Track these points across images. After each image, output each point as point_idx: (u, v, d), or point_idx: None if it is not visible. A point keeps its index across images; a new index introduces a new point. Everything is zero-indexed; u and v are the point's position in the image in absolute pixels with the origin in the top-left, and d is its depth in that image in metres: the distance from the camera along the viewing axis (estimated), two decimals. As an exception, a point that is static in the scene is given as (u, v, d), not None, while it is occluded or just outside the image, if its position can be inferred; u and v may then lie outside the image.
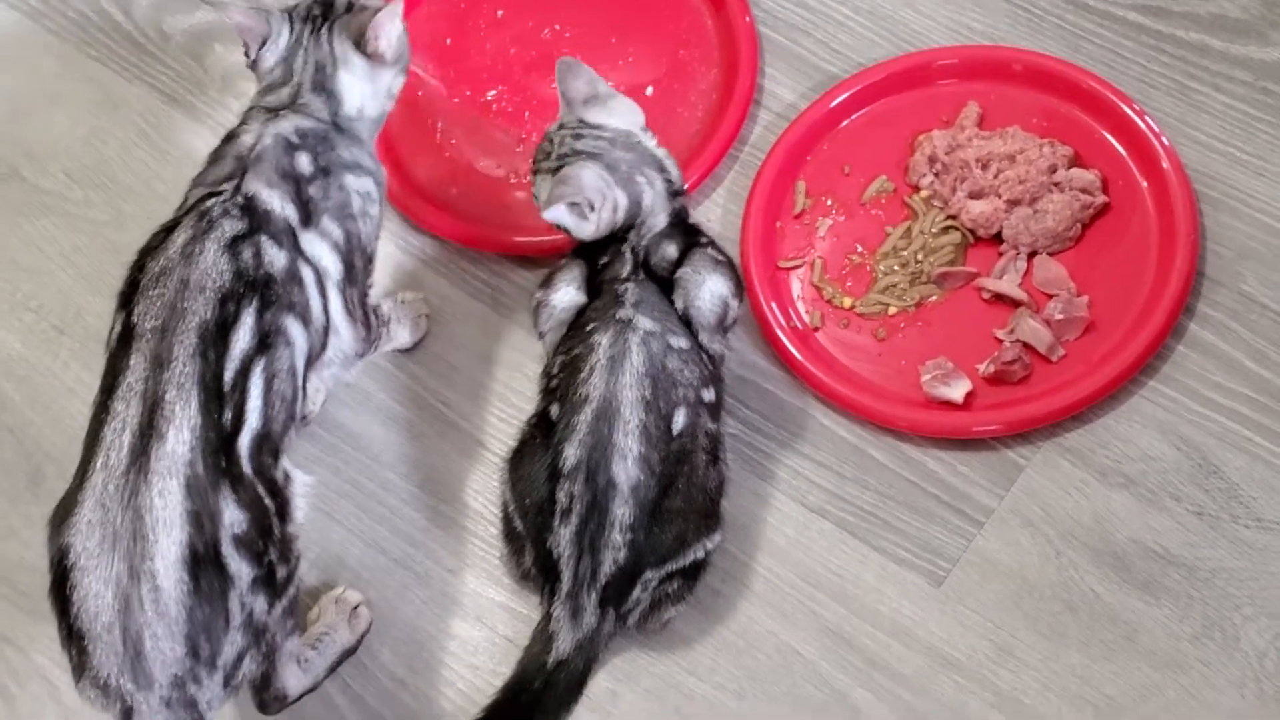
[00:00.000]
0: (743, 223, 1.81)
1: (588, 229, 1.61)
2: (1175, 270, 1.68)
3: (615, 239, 1.62)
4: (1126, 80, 1.83)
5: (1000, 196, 1.75)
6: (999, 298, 1.73)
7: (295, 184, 1.57)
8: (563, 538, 1.53)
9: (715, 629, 1.64)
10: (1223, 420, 1.64)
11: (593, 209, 1.59)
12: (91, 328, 1.92)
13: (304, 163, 1.59)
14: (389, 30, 1.65)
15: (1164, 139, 1.75)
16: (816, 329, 1.76)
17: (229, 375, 1.47)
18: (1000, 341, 1.70)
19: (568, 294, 1.62)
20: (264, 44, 1.65)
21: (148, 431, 1.42)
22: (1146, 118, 1.77)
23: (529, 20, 2.02)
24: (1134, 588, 1.58)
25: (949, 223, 1.78)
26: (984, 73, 1.85)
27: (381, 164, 1.70)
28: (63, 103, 2.12)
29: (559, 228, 1.63)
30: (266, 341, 1.50)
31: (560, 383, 1.56)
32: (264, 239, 1.53)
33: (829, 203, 1.83)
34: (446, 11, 2.06)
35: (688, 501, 1.55)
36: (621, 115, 1.66)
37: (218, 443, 1.44)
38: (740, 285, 1.65)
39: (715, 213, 1.86)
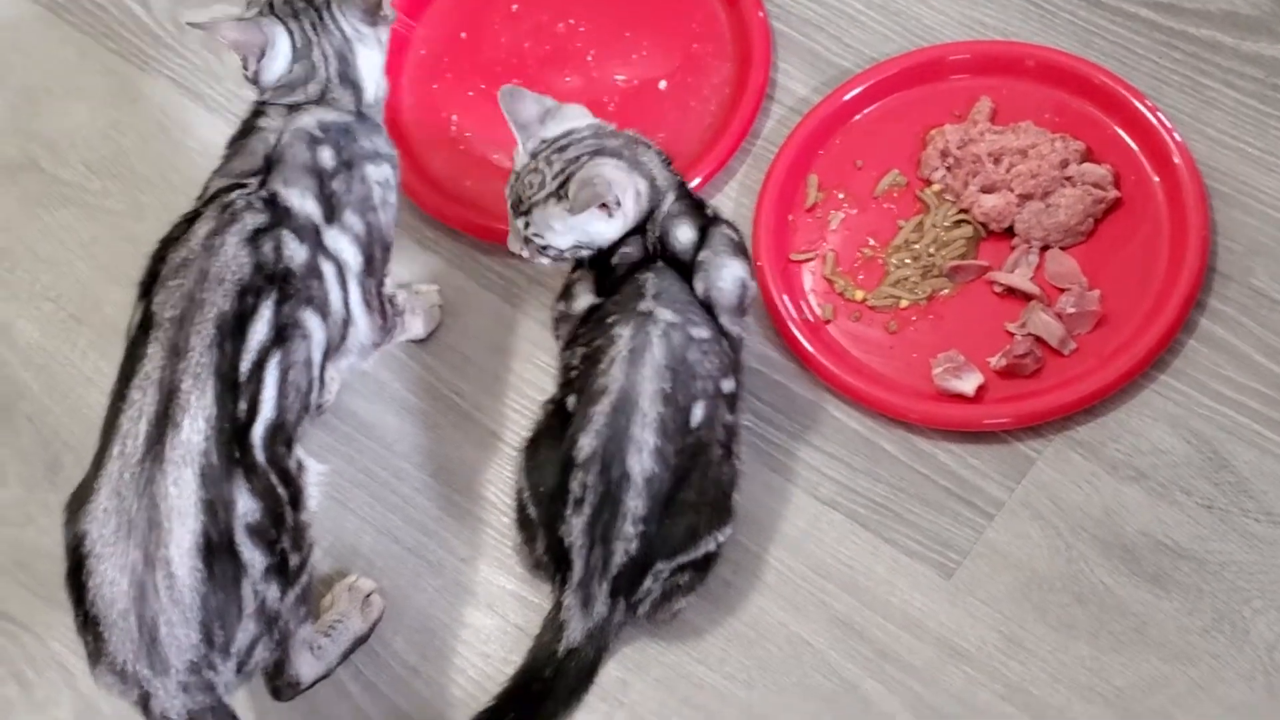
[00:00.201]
0: (755, 216, 1.82)
1: (615, 227, 1.59)
2: (1186, 265, 1.68)
3: (629, 230, 1.60)
4: (1138, 76, 1.84)
5: (1012, 191, 1.75)
6: (1011, 291, 1.73)
7: (319, 179, 1.58)
8: (575, 527, 1.53)
9: (726, 619, 1.65)
10: (1233, 414, 1.65)
11: (619, 204, 1.57)
12: (109, 317, 1.93)
13: (327, 157, 1.59)
14: None
15: (1176, 134, 1.76)
16: (828, 322, 1.77)
17: (245, 366, 1.48)
18: (1012, 335, 1.71)
19: (586, 300, 1.61)
20: (262, 54, 1.60)
21: (163, 420, 1.43)
22: (1158, 113, 1.77)
23: (543, 15, 2.04)
24: (1144, 580, 1.59)
25: (961, 217, 1.78)
26: (996, 68, 1.86)
27: (393, 142, 1.70)
28: (82, 94, 2.13)
29: (579, 246, 1.59)
30: (283, 334, 1.51)
31: (580, 373, 1.56)
32: (285, 233, 1.53)
33: (841, 196, 1.84)
34: (462, 6, 2.07)
35: (701, 494, 1.55)
36: (578, 117, 1.63)
37: (232, 432, 1.45)
38: (752, 263, 1.65)
39: (728, 206, 1.86)
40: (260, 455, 1.48)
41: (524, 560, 1.65)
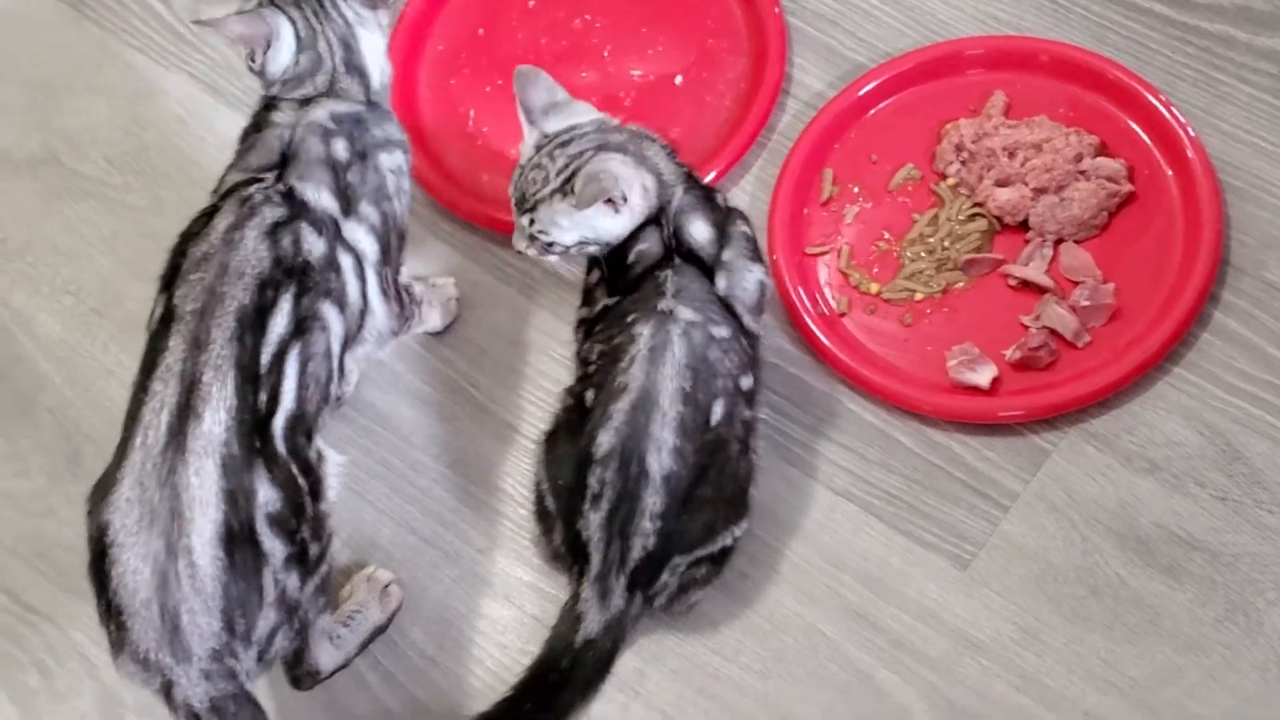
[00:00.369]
0: (770, 209, 1.82)
1: (622, 223, 1.58)
2: (1200, 258, 1.69)
3: (644, 224, 1.59)
4: (1152, 71, 1.84)
5: (1027, 184, 1.76)
6: (1025, 284, 1.74)
7: (334, 172, 1.59)
8: (592, 522, 1.53)
9: (742, 611, 1.66)
10: (1246, 406, 1.65)
11: (625, 200, 1.57)
12: (130, 311, 1.94)
13: (340, 149, 1.60)
14: None
15: (1189, 129, 1.76)
16: (843, 315, 1.77)
17: (265, 359, 1.49)
18: (1026, 328, 1.72)
19: (607, 304, 1.61)
20: (268, 46, 1.61)
21: (185, 411, 1.44)
22: (1172, 108, 1.78)
23: (560, 10, 2.05)
24: (1158, 572, 1.59)
25: (976, 210, 1.79)
26: (1011, 63, 1.86)
27: (403, 126, 1.70)
28: (103, 90, 2.15)
29: (585, 243, 1.59)
30: (303, 326, 1.52)
31: (598, 369, 1.56)
32: (304, 226, 1.54)
33: (856, 190, 1.84)
34: (479, 2, 2.08)
35: (718, 490, 1.56)
36: (584, 115, 1.63)
37: (253, 423, 1.47)
38: (766, 260, 1.66)
39: (743, 200, 1.87)
40: (281, 446, 1.49)
41: (541, 551, 1.66)
